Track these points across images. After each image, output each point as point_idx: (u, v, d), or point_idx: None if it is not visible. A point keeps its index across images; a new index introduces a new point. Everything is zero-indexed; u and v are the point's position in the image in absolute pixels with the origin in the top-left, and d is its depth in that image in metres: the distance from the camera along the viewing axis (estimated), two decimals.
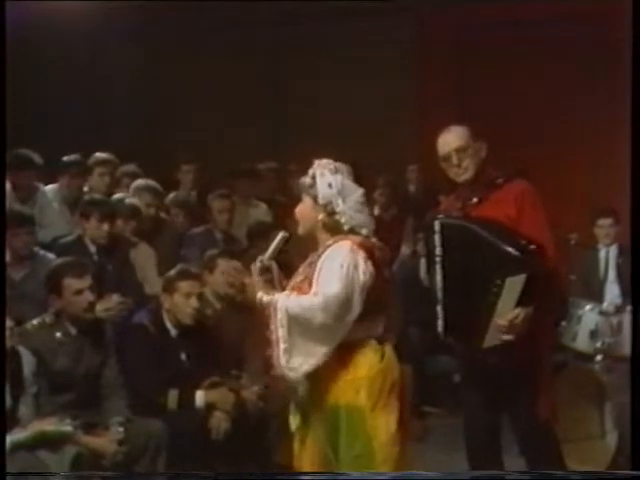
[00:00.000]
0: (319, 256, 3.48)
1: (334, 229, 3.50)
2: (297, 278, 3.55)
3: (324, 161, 3.56)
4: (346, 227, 3.49)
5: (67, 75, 9.14)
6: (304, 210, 3.58)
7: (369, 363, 3.46)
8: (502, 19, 8.56)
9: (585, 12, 8.03)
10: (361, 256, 3.43)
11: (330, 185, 3.50)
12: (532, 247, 3.75)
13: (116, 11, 8.40)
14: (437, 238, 3.91)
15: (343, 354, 3.45)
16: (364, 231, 3.51)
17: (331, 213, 3.50)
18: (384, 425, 3.46)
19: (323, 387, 3.47)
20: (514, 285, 3.74)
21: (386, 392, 3.47)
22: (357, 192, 3.54)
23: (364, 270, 3.41)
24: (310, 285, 3.45)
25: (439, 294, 3.92)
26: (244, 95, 9.25)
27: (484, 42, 8.76)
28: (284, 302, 3.40)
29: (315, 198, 3.51)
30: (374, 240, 3.55)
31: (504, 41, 8.63)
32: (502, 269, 3.74)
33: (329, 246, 3.48)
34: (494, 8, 8.32)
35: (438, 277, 3.91)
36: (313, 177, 3.53)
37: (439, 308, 3.93)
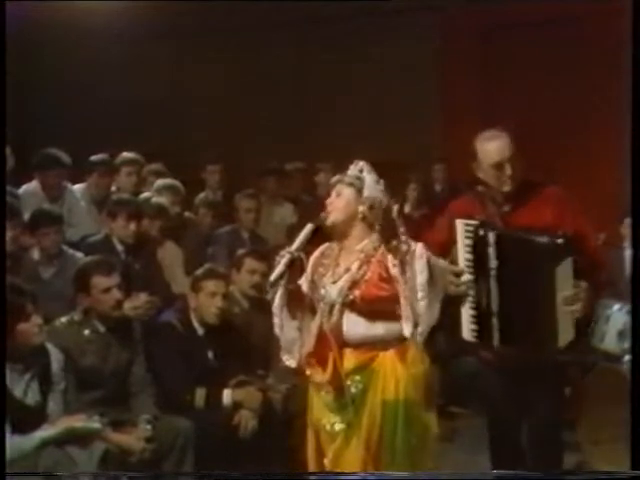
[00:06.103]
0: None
1: (372, 222, 3.54)
2: (357, 274, 3.52)
3: (363, 163, 3.60)
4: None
5: (96, 76, 9.21)
6: (342, 201, 3.57)
7: (425, 358, 3.56)
8: (527, 19, 8.53)
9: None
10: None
11: (378, 181, 3.56)
12: (568, 235, 3.73)
13: (145, 10, 8.45)
14: (491, 251, 3.80)
15: (402, 350, 3.51)
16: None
17: (372, 207, 3.53)
18: (434, 420, 3.58)
19: (381, 382, 3.51)
20: (565, 270, 3.73)
21: (434, 388, 3.60)
22: (394, 206, 3.58)
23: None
24: (382, 280, 3.47)
25: (494, 307, 3.83)
26: (271, 95, 9.27)
27: (510, 42, 8.73)
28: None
29: (360, 190, 3.54)
30: None
31: (529, 41, 8.60)
32: (548, 262, 3.73)
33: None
34: (519, 8, 8.29)
35: (493, 290, 3.82)
36: (361, 171, 3.57)
37: (494, 320, 3.84)
